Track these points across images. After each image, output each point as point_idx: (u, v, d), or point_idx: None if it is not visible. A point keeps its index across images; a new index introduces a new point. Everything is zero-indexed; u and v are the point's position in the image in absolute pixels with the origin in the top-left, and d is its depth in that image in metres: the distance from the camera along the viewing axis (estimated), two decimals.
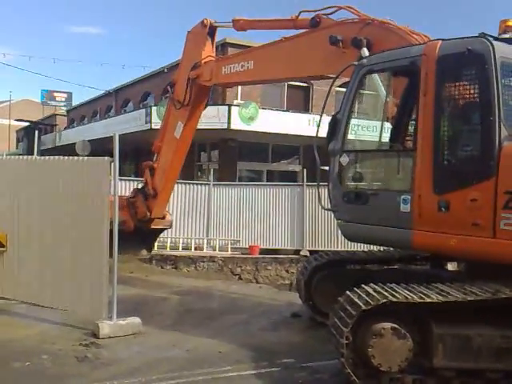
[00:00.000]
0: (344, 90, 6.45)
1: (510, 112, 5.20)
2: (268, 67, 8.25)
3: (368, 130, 7.15)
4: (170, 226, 11.29)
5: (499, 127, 5.06)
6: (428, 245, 5.58)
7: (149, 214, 9.90)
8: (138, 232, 9.97)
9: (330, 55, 6.90)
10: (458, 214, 5.20)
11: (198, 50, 9.22)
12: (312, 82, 21.99)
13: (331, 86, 6.61)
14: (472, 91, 5.35)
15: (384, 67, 6.16)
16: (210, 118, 18.40)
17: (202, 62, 9.09)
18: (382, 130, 6.59)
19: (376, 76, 6.35)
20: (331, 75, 7.06)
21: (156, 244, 14.26)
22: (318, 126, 6.53)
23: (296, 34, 7.87)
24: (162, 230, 11.08)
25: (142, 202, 9.96)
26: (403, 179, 5.90)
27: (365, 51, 6.24)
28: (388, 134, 6.65)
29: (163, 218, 10.29)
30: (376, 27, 6.56)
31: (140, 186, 10.41)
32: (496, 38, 5.38)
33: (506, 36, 5.49)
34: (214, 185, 14.96)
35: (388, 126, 6.73)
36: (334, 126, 6.30)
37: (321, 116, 6.56)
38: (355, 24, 6.80)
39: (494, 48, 5.13)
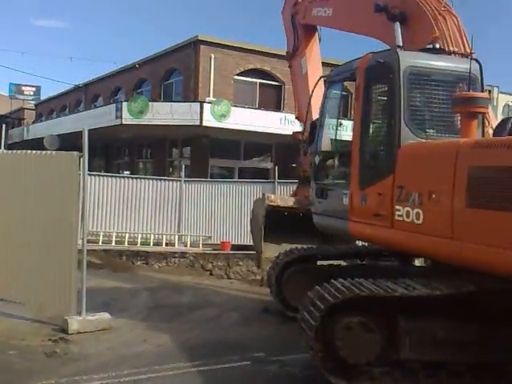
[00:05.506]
0: None
1: (416, 115, 5.84)
2: (340, 17, 8.62)
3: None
4: None
5: (399, 129, 5.67)
6: (356, 233, 6.46)
7: None
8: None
9: (376, 19, 7.20)
10: (371, 206, 5.95)
11: None
12: (284, 81, 22.08)
13: (313, 89, 7.76)
14: (383, 98, 6.19)
15: (340, 78, 6.98)
16: (182, 114, 18.36)
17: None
18: (336, 133, 7.02)
19: (337, 85, 7.10)
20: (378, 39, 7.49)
21: (126, 240, 14.23)
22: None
23: None
24: None
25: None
26: (346, 177, 6.55)
27: (397, 27, 6.60)
28: (345, 136, 7.11)
29: None
30: (413, 2, 6.88)
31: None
32: (422, 50, 6.11)
33: (430, 46, 6.15)
34: (185, 181, 14.91)
35: (345, 128, 7.13)
36: (312, 130, 7.28)
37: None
38: None
39: (399, 59, 5.76)
